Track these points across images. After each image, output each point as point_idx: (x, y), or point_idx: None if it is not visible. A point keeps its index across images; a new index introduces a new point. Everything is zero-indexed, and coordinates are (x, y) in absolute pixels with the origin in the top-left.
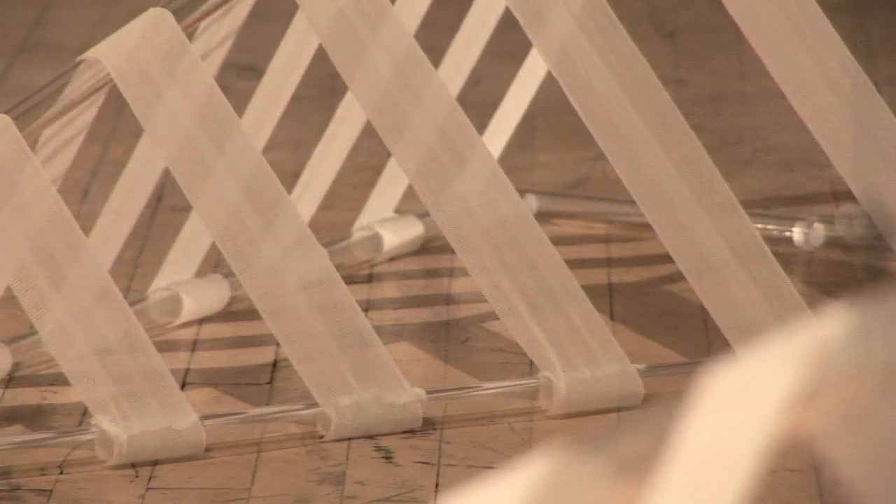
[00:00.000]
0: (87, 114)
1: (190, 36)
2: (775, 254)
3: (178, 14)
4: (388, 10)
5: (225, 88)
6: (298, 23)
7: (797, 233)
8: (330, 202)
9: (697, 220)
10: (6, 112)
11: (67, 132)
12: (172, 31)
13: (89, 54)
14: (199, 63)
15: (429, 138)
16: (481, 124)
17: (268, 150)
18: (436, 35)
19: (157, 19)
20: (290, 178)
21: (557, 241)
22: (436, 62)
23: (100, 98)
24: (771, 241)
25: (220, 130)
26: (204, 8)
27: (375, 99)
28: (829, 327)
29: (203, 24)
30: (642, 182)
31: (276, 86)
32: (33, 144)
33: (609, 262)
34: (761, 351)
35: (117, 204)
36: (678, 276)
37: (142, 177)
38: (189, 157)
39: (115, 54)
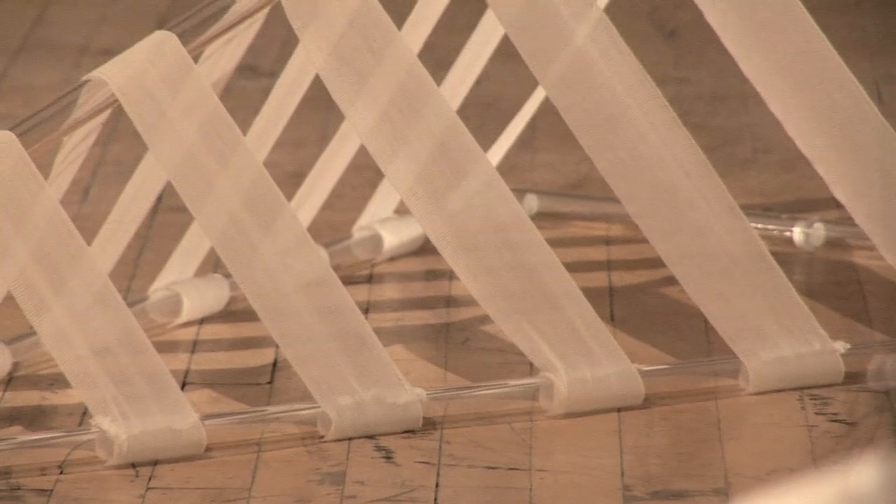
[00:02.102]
0: (91, 133)
1: (196, 58)
2: (775, 254)
3: (184, 37)
4: (392, 33)
5: (226, 88)
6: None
7: (797, 233)
8: (330, 202)
9: (698, 236)
10: (10, 129)
11: (71, 149)
12: (177, 52)
13: (95, 74)
14: (204, 84)
15: (425, 154)
16: (482, 123)
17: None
18: (436, 33)
19: (162, 41)
20: (290, 178)
21: (557, 242)
22: (438, 58)
23: (103, 117)
24: (771, 241)
25: (224, 149)
26: (209, 32)
27: (370, 123)
28: (859, 476)
29: (209, 48)
30: (643, 200)
31: (283, 98)
32: (37, 160)
33: (609, 262)
34: (792, 495)
35: (119, 214)
36: None
37: (145, 186)
38: (192, 176)
39: (120, 75)
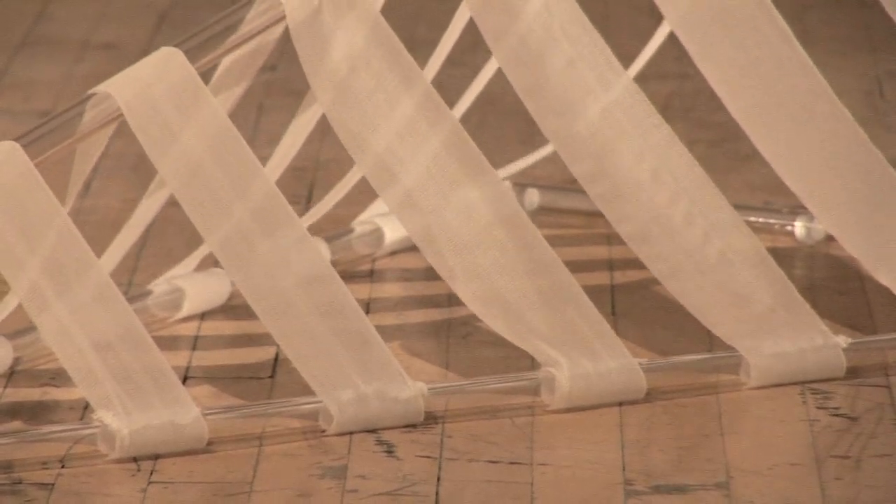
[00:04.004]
0: (96, 146)
1: (210, 72)
2: (777, 249)
3: (190, 54)
4: (404, 63)
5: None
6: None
7: (799, 227)
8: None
9: (694, 253)
10: (16, 139)
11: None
12: (184, 68)
13: (100, 88)
14: (211, 99)
15: (422, 172)
16: (481, 119)
17: (270, 144)
18: (439, 29)
19: (168, 57)
20: (291, 173)
21: (558, 237)
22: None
23: (109, 130)
24: (772, 235)
25: (232, 164)
26: (217, 51)
27: (373, 159)
28: None
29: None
30: (636, 224)
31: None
32: (45, 171)
33: (611, 256)
34: None
35: (134, 221)
36: None
37: (159, 196)
38: (197, 189)
39: (126, 89)
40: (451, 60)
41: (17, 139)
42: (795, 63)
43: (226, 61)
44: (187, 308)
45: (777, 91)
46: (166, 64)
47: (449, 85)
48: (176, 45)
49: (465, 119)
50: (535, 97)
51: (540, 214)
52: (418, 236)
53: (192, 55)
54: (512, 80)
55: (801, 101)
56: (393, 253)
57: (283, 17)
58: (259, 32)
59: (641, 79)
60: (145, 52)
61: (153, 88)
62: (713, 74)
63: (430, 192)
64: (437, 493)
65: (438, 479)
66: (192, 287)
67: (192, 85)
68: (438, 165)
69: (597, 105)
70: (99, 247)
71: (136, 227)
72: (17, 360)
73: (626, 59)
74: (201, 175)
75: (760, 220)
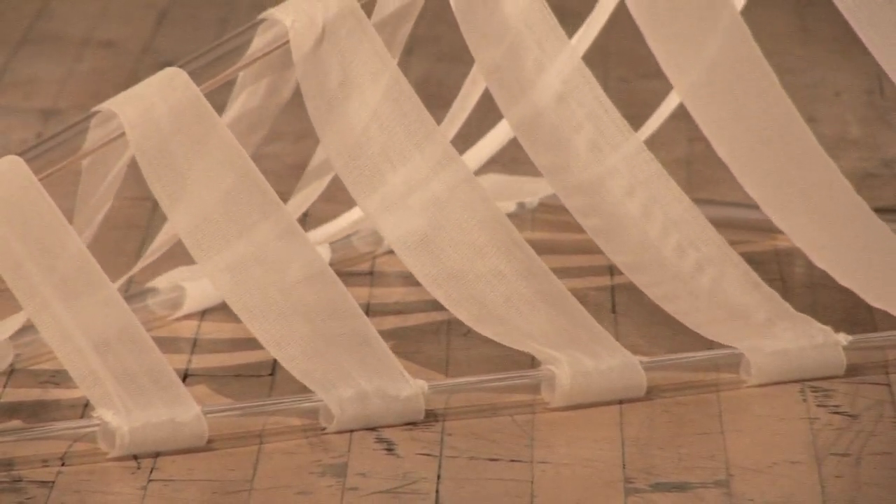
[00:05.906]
0: (114, 165)
1: (213, 93)
2: (778, 248)
3: (194, 75)
4: (424, 126)
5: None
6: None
7: None
8: (331, 194)
9: (687, 281)
10: (19, 154)
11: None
12: (187, 88)
13: (105, 106)
14: (216, 118)
15: (403, 184)
16: (483, 117)
17: (270, 142)
18: (439, 26)
19: (172, 77)
20: (291, 171)
21: (559, 234)
22: (440, 51)
23: (124, 157)
24: (773, 233)
25: (239, 189)
26: (223, 74)
27: (380, 209)
28: None
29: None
30: (629, 255)
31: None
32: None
33: None
34: None
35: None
36: None
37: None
38: (202, 221)
39: (130, 107)
40: (449, 57)
41: (19, 153)
42: (782, 112)
43: (237, 109)
44: (187, 306)
45: (763, 137)
46: (170, 84)
47: (449, 82)
48: (180, 66)
49: (466, 118)
50: (527, 132)
51: (540, 212)
52: (400, 247)
53: (196, 76)
54: (505, 113)
55: (785, 148)
56: (393, 251)
57: (287, 42)
58: (264, 55)
59: (642, 76)
60: (146, 51)
61: (157, 108)
62: (703, 120)
63: (414, 203)
64: (437, 491)
65: (438, 477)
66: (192, 285)
67: (196, 105)
68: (424, 181)
69: (586, 141)
70: (99, 246)
71: (155, 253)
72: (17, 358)
73: (626, 57)
74: (203, 199)
75: (761, 218)
